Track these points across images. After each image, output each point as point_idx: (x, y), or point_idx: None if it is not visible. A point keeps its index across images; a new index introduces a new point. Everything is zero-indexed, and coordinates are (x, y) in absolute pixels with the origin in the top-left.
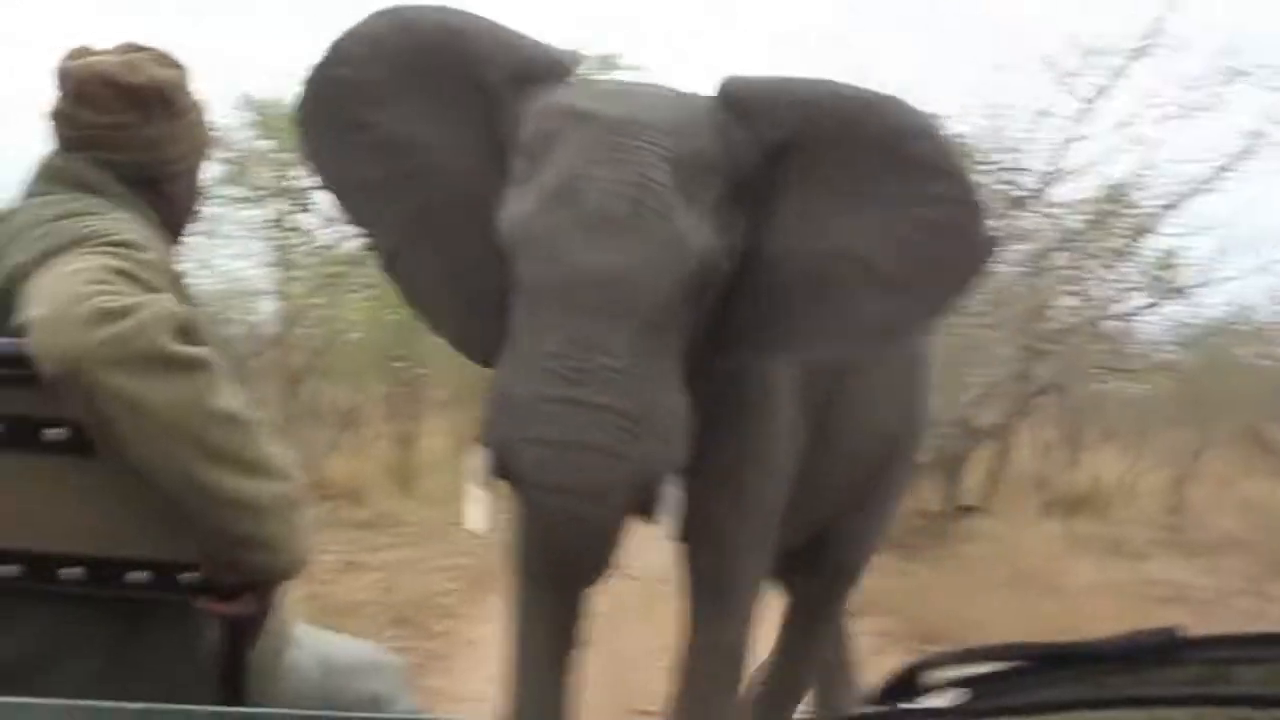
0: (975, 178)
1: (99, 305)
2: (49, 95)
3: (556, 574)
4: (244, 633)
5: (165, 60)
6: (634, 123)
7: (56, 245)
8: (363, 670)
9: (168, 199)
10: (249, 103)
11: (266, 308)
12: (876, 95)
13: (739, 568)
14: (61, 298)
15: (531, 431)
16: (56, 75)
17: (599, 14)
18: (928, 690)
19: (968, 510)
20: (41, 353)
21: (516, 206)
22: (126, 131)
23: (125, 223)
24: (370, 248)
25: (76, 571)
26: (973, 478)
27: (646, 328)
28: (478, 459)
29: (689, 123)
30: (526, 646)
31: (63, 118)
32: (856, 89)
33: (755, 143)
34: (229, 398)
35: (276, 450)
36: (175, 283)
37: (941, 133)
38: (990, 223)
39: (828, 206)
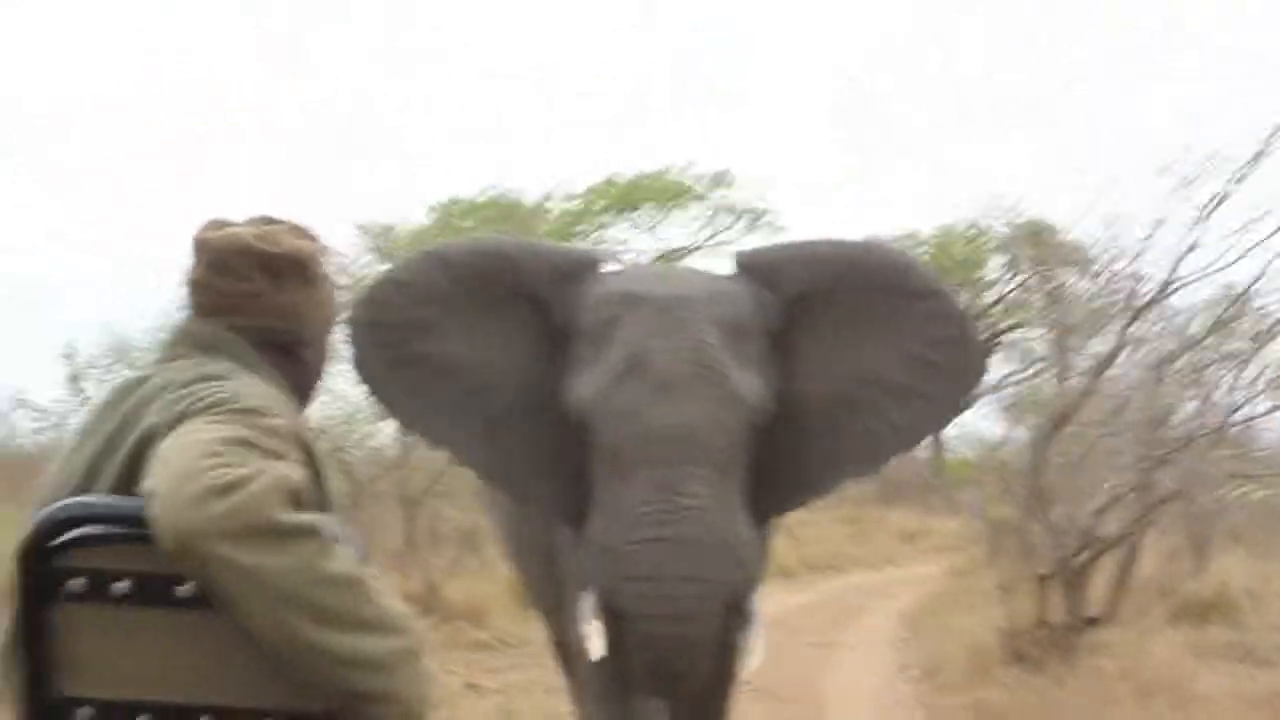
0: (961, 300)
1: (210, 482)
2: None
3: (665, 690)
4: None
5: (301, 232)
6: (681, 299)
7: (187, 410)
8: None
9: (300, 363)
10: (365, 229)
11: (387, 431)
12: (866, 244)
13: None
14: (176, 472)
15: (632, 570)
16: (193, 245)
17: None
18: None
19: (1093, 621)
20: (158, 526)
21: (589, 384)
22: (262, 299)
23: (255, 387)
24: (455, 458)
25: None
26: (1097, 588)
27: (717, 470)
28: (587, 600)
29: (725, 293)
30: None
31: (199, 285)
32: (851, 242)
33: (777, 301)
34: (340, 561)
35: (391, 604)
36: (301, 445)
37: (923, 264)
38: (979, 330)
39: (842, 342)
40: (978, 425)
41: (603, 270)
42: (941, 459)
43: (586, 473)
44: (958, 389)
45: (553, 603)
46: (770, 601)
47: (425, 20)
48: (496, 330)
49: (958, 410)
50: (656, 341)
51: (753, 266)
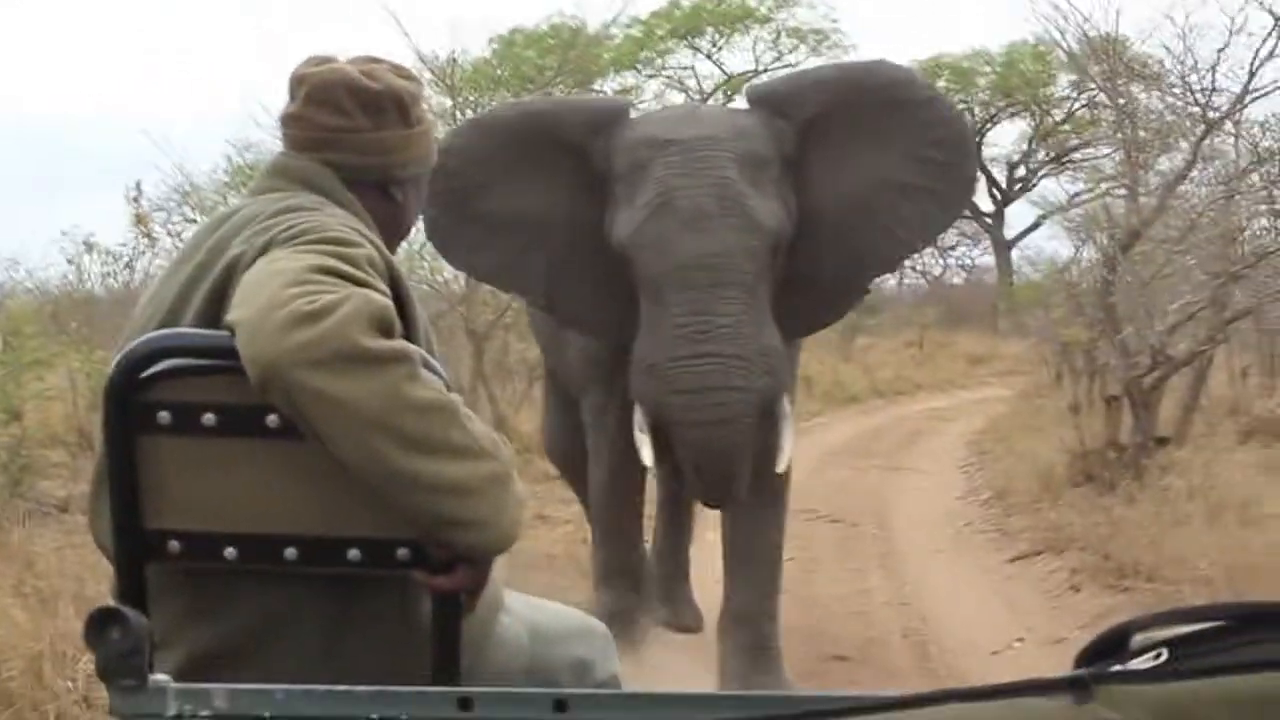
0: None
1: (295, 309)
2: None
3: (711, 490)
4: (457, 604)
5: (402, 72)
6: (704, 139)
7: (272, 240)
8: (570, 637)
9: (392, 203)
10: (424, 61)
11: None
12: (869, 63)
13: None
14: (262, 302)
15: (677, 384)
16: (293, 80)
17: None
18: (1134, 652)
19: (1163, 442)
20: (244, 357)
21: (627, 221)
22: (359, 135)
23: (341, 219)
24: (529, 303)
25: (294, 551)
26: (1167, 408)
27: (744, 290)
28: (638, 414)
29: (743, 128)
30: (610, 523)
31: (297, 119)
32: (853, 63)
33: (791, 126)
34: (427, 387)
35: (480, 430)
36: (387, 275)
37: (921, 76)
38: (971, 128)
39: (854, 154)
40: (1046, 246)
41: (633, 116)
42: (1009, 282)
43: (633, 301)
44: (961, 183)
45: (571, 449)
46: (837, 427)
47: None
48: (546, 182)
49: (963, 204)
50: (683, 180)
51: (766, 98)
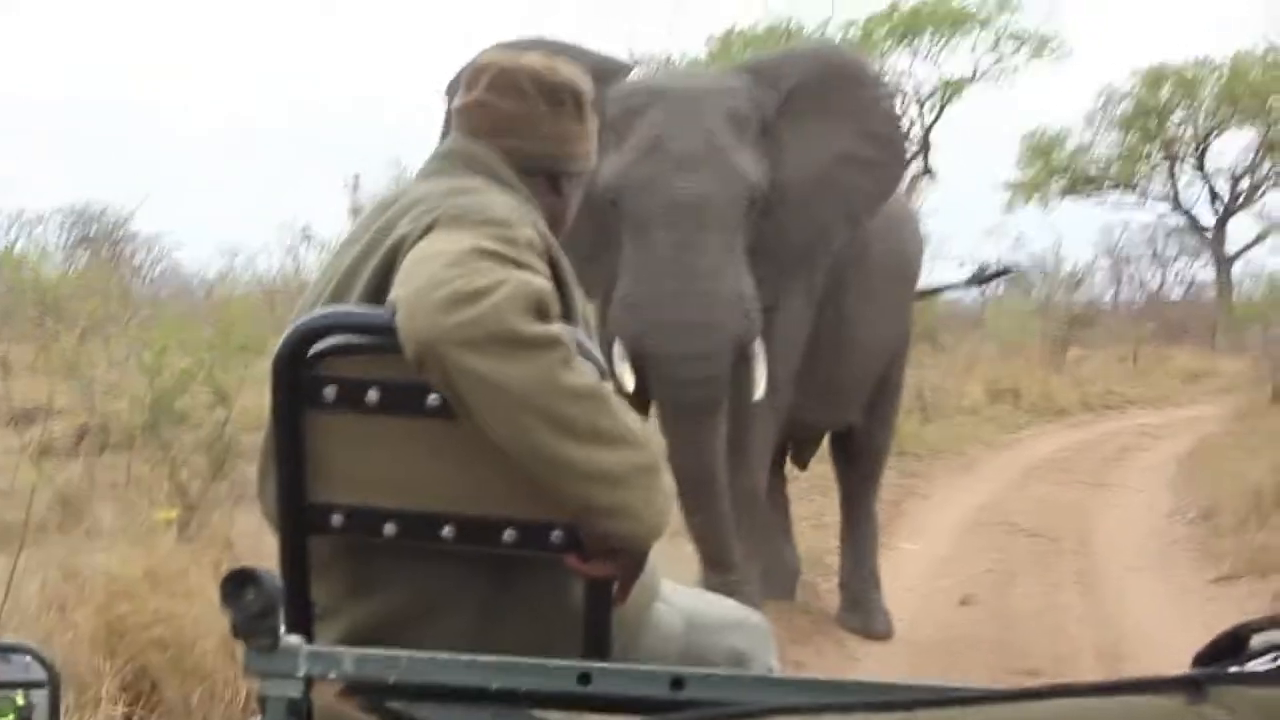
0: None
1: (455, 289)
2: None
3: (688, 415)
4: (609, 590)
5: (580, 68)
6: (696, 91)
7: (435, 221)
8: (727, 627)
9: (559, 195)
10: (643, 64)
11: None
12: (830, 45)
13: (753, 433)
14: (421, 282)
15: (657, 317)
16: (475, 67)
17: None
18: (1252, 654)
19: None
20: (402, 334)
21: (615, 165)
22: (538, 124)
23: (505, 201)
24: None
25: (451, 530)
26: None
27: (727, 235)
28: (619, 347)
29: (730, 88)
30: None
31: (478, 105)
32: (818, 44)
33: (774, 95)
34: (580, 373)
35: (630, 419)
36: (546, 257)
37: (869, 63)
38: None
39: (820, 127)
40: (1268, 261)
41: (629, 75)
42: (1228, 298)
43: (611, 247)
44: (900, 156)
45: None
46: (1043, 440)
47: None
48: None
49: (902, 174)
50: (675, 126)
51: (755, 67)
